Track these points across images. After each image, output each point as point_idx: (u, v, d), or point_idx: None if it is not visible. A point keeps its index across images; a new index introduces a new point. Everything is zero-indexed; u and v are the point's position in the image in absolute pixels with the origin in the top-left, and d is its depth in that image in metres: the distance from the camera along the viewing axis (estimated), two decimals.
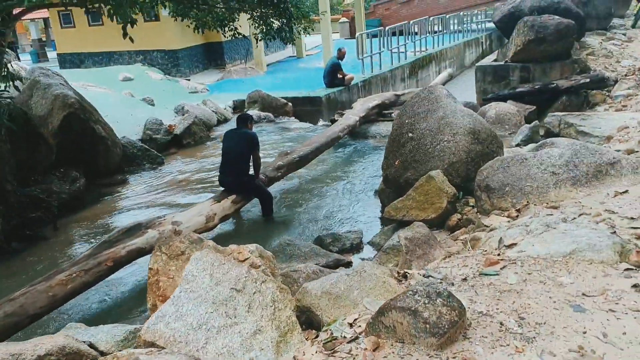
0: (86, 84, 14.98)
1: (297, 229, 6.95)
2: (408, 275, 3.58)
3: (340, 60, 14.72)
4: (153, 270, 3.98)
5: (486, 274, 3.59)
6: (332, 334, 3.01)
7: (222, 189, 7.25)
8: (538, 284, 3.40)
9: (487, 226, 4.99)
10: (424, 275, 3.63)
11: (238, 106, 14.22)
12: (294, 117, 13.44)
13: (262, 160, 7.48)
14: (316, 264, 5.64)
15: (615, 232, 4.05)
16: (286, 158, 8.13)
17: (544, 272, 3.55)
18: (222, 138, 7.44)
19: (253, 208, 7.64)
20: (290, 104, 13.68)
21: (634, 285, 3.29)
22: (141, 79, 16.80)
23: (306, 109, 13.66)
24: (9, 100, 7.64)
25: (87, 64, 21.62)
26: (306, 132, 11.82)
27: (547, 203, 5.04)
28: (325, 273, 4.67)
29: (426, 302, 2.81)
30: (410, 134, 6.71)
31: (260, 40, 9.59)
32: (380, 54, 17.02)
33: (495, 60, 12.65)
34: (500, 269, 3.64)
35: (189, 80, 17.90)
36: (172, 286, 3.56)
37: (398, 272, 3.61)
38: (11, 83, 7.26)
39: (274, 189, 7.86)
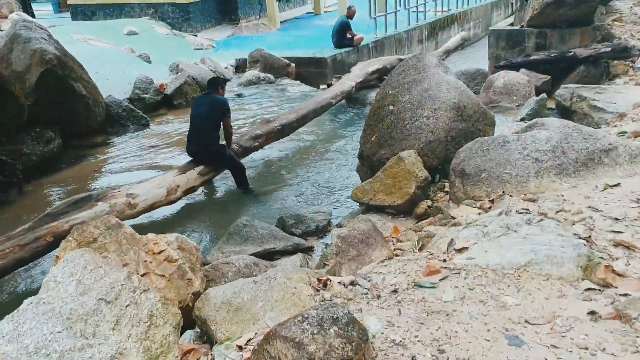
0: (88, 37, 14.54)
1: (264, 206, 6.47)
2: (328, 283, 3.07)
3: (349, 19, 13.94)
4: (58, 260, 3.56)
5: (421, 286, 3.05)
6: (213, 359, 2.54)
7: (190, 159, 6.77)
8: (477, 304, 2.86)
9: (454, 218, 4.43)
10: (350, 283, 3.11)
11: (240, 65, 13.62)
12: (296, 79, 12.80)
13: (241, 127, 6.96)
14: (273, 249, 5.19)
15: (589, 237, 3.46)
16: (266, 126, 7.58)
17: (488, 289, 2.99)
18: (192, 104, 6.94)
19: (229, 178, 7.18)
20: (293, 65, 13.03)
21: (591, 312, 2.73)
22: (147, 33, 16.26)
23: (310, 70, 13.00)
24: None
25: (98, 16, 21.10)
26: (305, 95, 11.21)
27: (525, 194, 4.43)
28: (262, 267, 4.19)
29: (315, 331, 2.29)
30: (391, 107, 6.10)
31: None
32: (395, 13, 16.12)
33: (511, 25, 11.72)
34: (440, 280, 3.10)
35: (196, 36, 17.29)
36: None
37: (318, 280, 3.10)
38: None
39: (250, 160, 7.36)
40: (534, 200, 4.30)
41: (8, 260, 4.85)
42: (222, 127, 6.74)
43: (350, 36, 13.80)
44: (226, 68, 13.30)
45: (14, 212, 6.82)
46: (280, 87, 11.99)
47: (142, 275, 3.24)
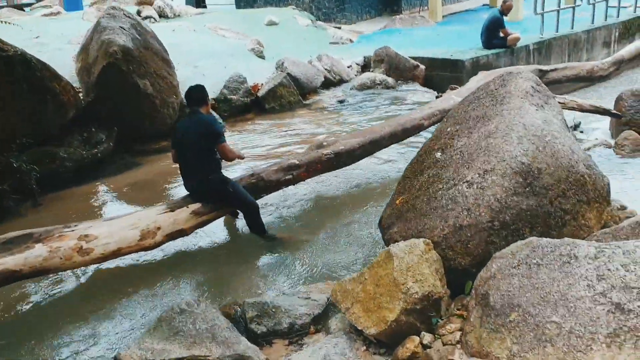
0: (221, 26, 13.83)
1: (251, 274, 4.75)
2: None
3: (504, 15, 11.39)
4: None
5: None
6: None
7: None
8: None
9: None
10: None
11: (368, 64, 11.85)
12: (424, 84, 10.72)
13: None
14: (204, 357, 3.54)
15: None
16: (311, 154, 5.84)
17: None
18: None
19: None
20: (422, 67, 10.92)
21: None
22: (286, 24, 15.16)
23: (444, 74, 10.78)
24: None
25: (259, 3, 20.67)
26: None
27: None
28: None
29: None
30: (438, 154, 4.03)
31: None
32: (573, 8, 13.03)
33: None
34: None
35: (339, 28, 15.82)
36: None
37: None
38: None
39: (268, 198, 5.72)
40: None
41: None
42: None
43: (503, 35, 11.27)
44: (349, 67, 11.63)
45: (18, 228, 5.96)
46: (398, 94, 10.00)
47: None
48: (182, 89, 9.49)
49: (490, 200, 3.27)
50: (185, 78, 9.75)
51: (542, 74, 7.83)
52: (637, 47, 9.04)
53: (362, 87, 10.40)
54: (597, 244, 2.69)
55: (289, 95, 9.51)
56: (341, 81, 10.95)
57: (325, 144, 6.10)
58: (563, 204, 3.41)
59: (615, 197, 5.32)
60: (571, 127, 8.92)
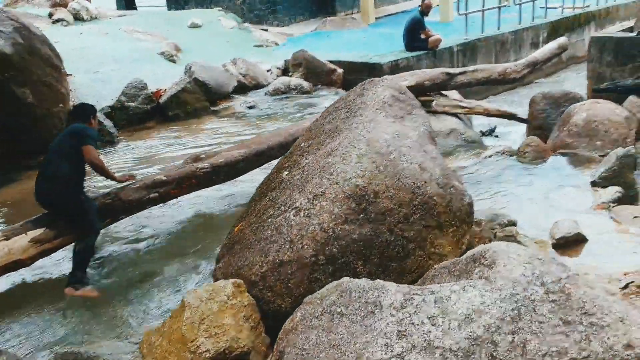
0: (137, 30, 13.14)
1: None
2: None
3: (424, 15, 11.07)
4: None
5: None
6: None
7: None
8: None
9: None
10: None
11: (288, 68, 11.35)
12: (344, 89, 10.28)
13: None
14: None
15: None
16: (181, 170, 5.29)
17: None
18: None
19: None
20: (340, 71, 10.51)
21: None
22: (210, 26, 14.55)
23: (362, 78, 10.32)
24: None
25: (190, 5, 20.00)
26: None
27: None
28: None
29: None
30: (285, 174, 3.54)
31: None
32: (499, 8, 12.83)
33: (628, 30, 8.15)
34: None
35: (266, 30, 15.29)
36: None
37: None
38: None
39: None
40: None
41: None
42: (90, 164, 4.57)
43: (424, 36, 10.94)
44: (269, 71, 11.11)
45: None
46: (312, 100, 9.54)
47: None
48: (78, 97, 8.85)
49: (315, 230, 2.80)
50: (81, 85, 9.11)
51: (449, 77, 7.46)
52: (550, 49, 8.75)
53: (276, 92, 9.90)
54: (408, 289, 2.25)
55: (195, 102, 8.93)
56: (258, 86, 10.42)
57: (203, 156, 5.57)
58: (405, 230, 2.97)
59: (505, 210, 4.97)
60: (486, 131, 8.64)
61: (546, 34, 14.23)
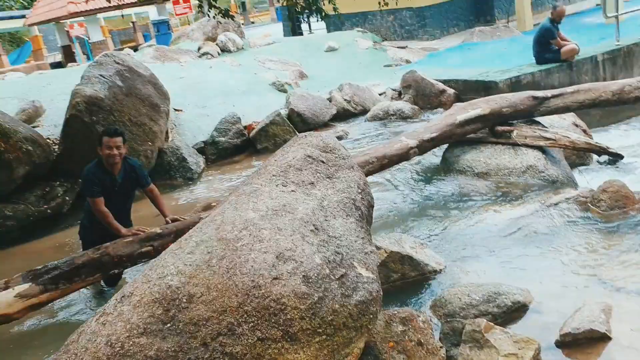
0: (271, 59, 13.39)
1: None
2: None
3: (556, 23, 9.55)
4: None
5: None
6: None
7: None
8: None
9: None
10: None
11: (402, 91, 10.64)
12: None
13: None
14: None
15: None
16: (183, 222, 5.03)
17: None
18: None
19: None
20: (450, 91, 9.50)
21: None
22: (346, 49, 14.33)
23: (477, 98, 9.26)
24: None
25: (346, 26, 20.10)
26: None
27: None
28: None
29: None
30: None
31: None
32: None
33: None
34: None
35: (403, 47, 14.60)
36: None
37: None
38: None
39: None
40: None
41: None
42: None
43: (557, 47, 9.43)
44: (382, 94, 10.52)
45: None
46: (408, 128, 8.72)
47: None
48: (180, 132, 9.21)
49: (99, 344, 2.32)
50: (186, 120, 9.46)
51: (537, 102, 6.12)
52: None
53: (374, 119, 9.28)
54: None
55: (284, 134, 8.71)
56: (364, 112, 9.90)
57: (214, 204, 5.30)
58: (228, 345, 2.34)
59: (526, 283, 3.82)
60: (605, 161, 7.01)
61: None
